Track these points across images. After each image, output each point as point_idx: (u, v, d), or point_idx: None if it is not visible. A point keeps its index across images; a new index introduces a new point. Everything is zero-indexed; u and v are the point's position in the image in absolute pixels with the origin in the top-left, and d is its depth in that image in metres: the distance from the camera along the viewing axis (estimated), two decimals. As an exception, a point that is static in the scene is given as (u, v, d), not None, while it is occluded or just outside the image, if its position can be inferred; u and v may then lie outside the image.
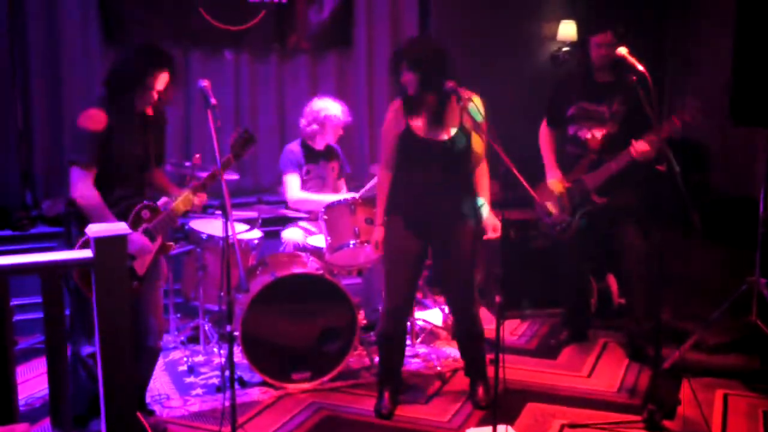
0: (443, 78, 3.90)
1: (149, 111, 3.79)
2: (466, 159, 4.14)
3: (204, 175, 3.85)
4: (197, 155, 4.63)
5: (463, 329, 4.40)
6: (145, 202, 3.72)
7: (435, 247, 4.26)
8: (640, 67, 4.07)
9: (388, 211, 4.24)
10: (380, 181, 4.27)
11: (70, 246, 3.64)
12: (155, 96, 3.71)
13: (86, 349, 3.76)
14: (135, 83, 3.65)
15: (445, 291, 4.44)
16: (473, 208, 4.18)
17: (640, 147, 4.51)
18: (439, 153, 4.08)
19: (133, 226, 3.64)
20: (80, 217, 3.58)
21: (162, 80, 3.70)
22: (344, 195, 5.24)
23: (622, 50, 4.20)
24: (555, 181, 4.93)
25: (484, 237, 4.20)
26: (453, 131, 4.06)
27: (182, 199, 3.77)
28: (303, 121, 5.32)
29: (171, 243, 3.90)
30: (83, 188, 3.57)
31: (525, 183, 3.65)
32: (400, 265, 4.21)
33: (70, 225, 3.71)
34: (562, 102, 4.93)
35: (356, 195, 4.98)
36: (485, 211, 4.19)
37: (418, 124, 4.07)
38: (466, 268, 4.23)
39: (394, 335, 4.34)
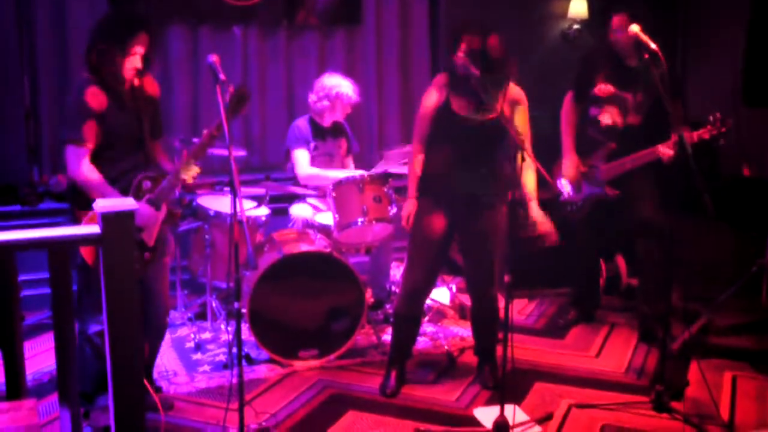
0: (497, 61, 3.90)
1: (137, 82, 3.75)
2: (498, 144, 4.11)
3: (218, 154, 3.79)
4: (205, 131, 4.60)
5: (479, 310, 4.38)
6: (144, 172, 3.68)
7: (460, 227, 4.23)
8: (653, 45, 4.02)
9: (419, 190, 4.22)
10: (414, 153, 4.25)
11: (75, 223, 3.62)
12: (140, 61, 3.66)
13: (93, 327, 3.75)
14: (115, 52, 3.59)
15: (465, 271, 4.42)
16: (502, 193, 4.14)
17: (666, 151, 4.45)
18: (475, 133, 4.04)
19: (136, 197, 3.61)
20: (84, 197, 3.56)
21: (143, 43, 3.64)
22: (353, 172, 5.22)
23: (635, 28, 4.15)
24: (571, 165, 4.89)
25: (537, 243, 4.14)
26: (493, 115, 4.02)
27: (184, 166, 3.73)
28: (313, 97, 5.28)
29: (178, 211, 3.87)
30: (80, 166, 3.54)
31: (537, 163, 3.62)
32: (424, 244, 4.19)
33: (74, 203, 3.69)
34: (587, 78, 4.86)
35: (365, 173, 4.95)
36: (534, 208, 4.14)
37: (458, 100, 4.04)
38: (488, 249, 4.20)
39: (409, 314, 4.33)
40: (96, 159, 3.60)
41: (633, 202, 4.76)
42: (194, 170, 3.74)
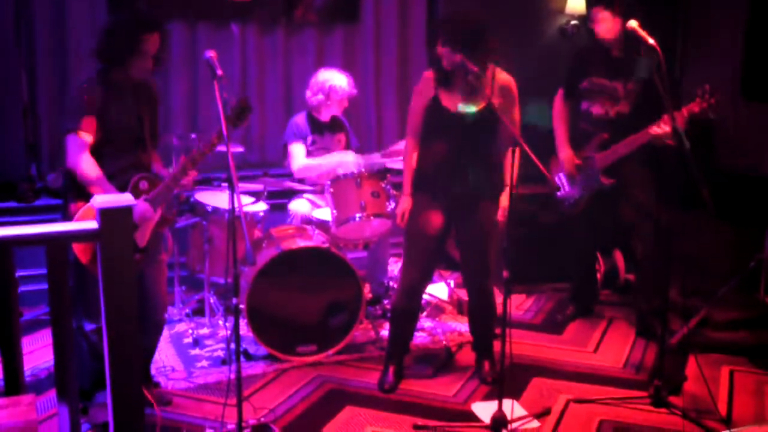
0: (478, 53, 3.89)
1: (141, 84, 3.76)
2: (492, 136, 4.12)
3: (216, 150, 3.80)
4: (205, 141, 4.60)
5: (476, 305, 4.39)
6: (141, 173, 3.68)
7: (456, 222, 4.24)
8: (651, 41, 4.02)
9: (414, 186, 4.23)
10: (407, 150, 4.26)
11: (68, 218, 3.62)
12: (150, 62, 3.68)
13: (88, 326, 3.75)
14: (129, 51, 3.61)
15: (461, 265, 4.43)
16: (497, 186, 4.15)
17: (658, 130, 4.43)
18: (464, 126, 4.06)
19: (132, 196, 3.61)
20: (79, 188, 3.57)
21: (154, 43, 3.66)
22: (347, 154, 5.20)
23: (633, 23, 4.15)
24: (566, 158, 4.89)
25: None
26: (481, 107, 4.02)
27: (182, 172, 3.74)
28: (308, 93, 5.31)
29: (171, 215, 3.87)
30: (80, 156, 3.55)
31: (535, 158, 3.62)
32: (420, 240, 4.20)
33: (68, 196, 3.68)
34: (577, 73, 4.89)
35: (358, 158, 4.96)
36: (503, 197, 4.17)
37: (447, 95, 4.05)
38: (483, 243, 4.21)
39: (406, 310, 4.33)
40: (94, 154, 3.60)
41: (627, 189, 4.76)
42: (192, 176, 3.76)
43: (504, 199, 4.15)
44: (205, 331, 4.98)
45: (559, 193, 5.00)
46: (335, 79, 5.24)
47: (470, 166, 4.09)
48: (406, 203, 4.23)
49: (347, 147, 5.47)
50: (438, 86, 4.09)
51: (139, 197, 3.64)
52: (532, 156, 3.62)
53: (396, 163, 5.16)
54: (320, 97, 5.23)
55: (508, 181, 4.12)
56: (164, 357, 4.59)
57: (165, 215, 3.78)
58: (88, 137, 3.57)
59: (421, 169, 4.20)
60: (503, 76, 4.09)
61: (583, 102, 4.87)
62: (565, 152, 4.92)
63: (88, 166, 3.55)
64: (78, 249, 3.50)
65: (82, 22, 5.70)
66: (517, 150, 3.60)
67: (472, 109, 4.05)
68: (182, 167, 3.69)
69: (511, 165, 3.67)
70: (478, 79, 3.82)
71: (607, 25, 4.63)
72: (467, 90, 3.97)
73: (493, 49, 3.98)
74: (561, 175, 4.96)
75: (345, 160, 5.12)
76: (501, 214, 4.15)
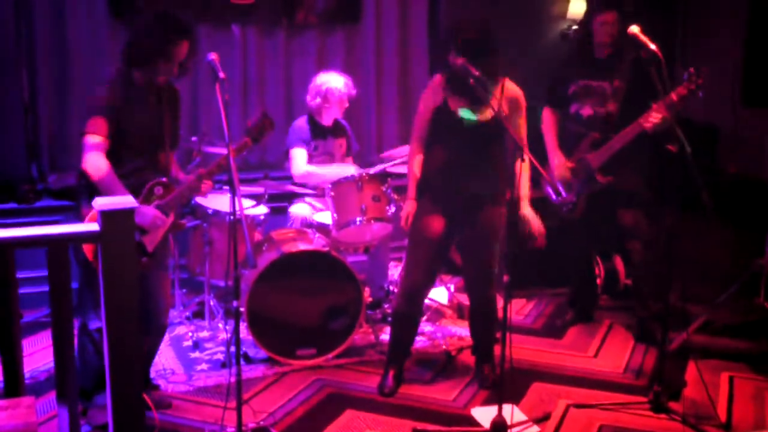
0: (489, 61, 3.90)
1: (164, 86, 3.77)
2: (499, 143, 4.13)
3: (217, 153, 3.81)
4: (223, 156, 4.62)
5: (477, 310, 4.39)
6: (158, 178, 3.69)
7: (459, 227, 4.23)
8: (653, 46, 4.02)
9: (418, 190, 4.22)
10: (412, 154, 4.26)
11: (80, 219, 3.62)
12: (176, 68, 3.68)
13: (94, 323, 3.74)
14: (158, 54, 3.61)
15: (463, 270, 4.43)
16: (500, 192, 4.15)
17: (652, 118, 4.42)
18: (473, 133, 4.06)
19: (145, 201, 3.62)
20: (91, 190, 3.56)
21: (183, 50, 3.66)
22: (348, 167, 5.20)
23: (635, 29, 4.15)
24: (559, 165, 4.89)
25: (529, 243, 4.17)
26: (490, 114, 4.02)
27: (197, 182, 3.76)
28: (308, 97, 5.30)
29: (183, 222, 3.88)
30: (94, 159, 3.55)
31: (541, 168, 3.63)
32: (423, 244, 4.19)
33: (80, 198, 3.69)
34: (562, 81, 4.90)
35: (361, 170, 4.93)
36: (524, 207, 4.16)
37: (456, 101, 4.06)
38: (486, 249, 4.21)
39: (407, 314, 4.33)
40: (112, 154, 3.61)
41: (619, 210, 4.77)
42: (208, 185, 3.77)
43: (526, 209, 4.15)
44: (205, 334, 4.97)
45: (554, 199, 4.99)
46: (332, 81, 5.23)
47: (474, 172, 4.09)
48: (410, 206, 4.23)
49: (348, 152, 5.46)
50: (447, 91, 4.09)
51: (153, 202, 3.64)
52: (537, 166, 3.64)
53: (397, 167, 5.15)
54: (318, 100, 5.23)
55: (523, 192, 4.13)
56: (164, 360, 4.58)
57: (176, 221, 3.78)
58: (96, 138, 3.57)
59: (426, 173, 4.20)
60: (513, 88, 4.09)
61: (572, 105, 4.86)
62: (557, 159, 4.92)
63: (92, 167, 3.55)
64: (87, 247, 3.50)
65: (81, 22, 5.69)
66: (526, 161, 3.61)
67: (473, 116, 4.05)
68: (199, 178, 3.70)
69: (519, 176, 3.67)
70: (481, 84, 3.82)
71: (610, 29, 4.63)
72: (474, 96, 3.96)
73: (500, 58, 3.99)
74: (556, 182, 4.95)
75: (346, 173, 5.10)
76: (536, 226, 4.14)
